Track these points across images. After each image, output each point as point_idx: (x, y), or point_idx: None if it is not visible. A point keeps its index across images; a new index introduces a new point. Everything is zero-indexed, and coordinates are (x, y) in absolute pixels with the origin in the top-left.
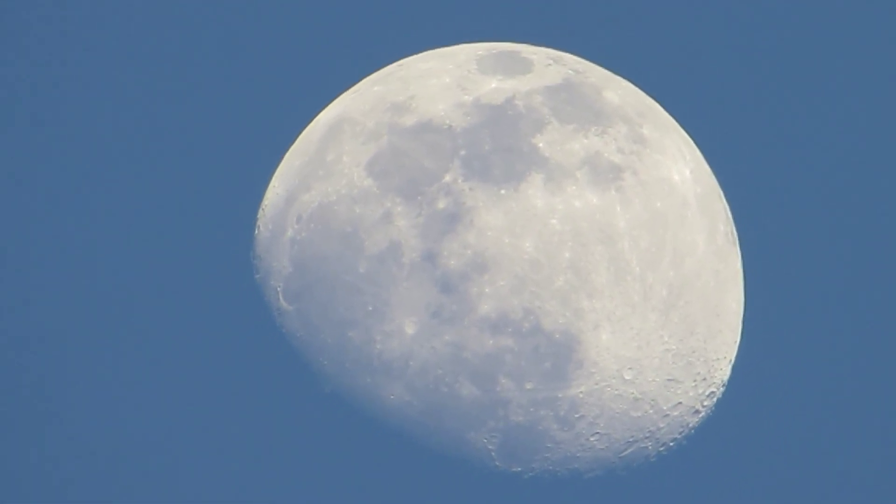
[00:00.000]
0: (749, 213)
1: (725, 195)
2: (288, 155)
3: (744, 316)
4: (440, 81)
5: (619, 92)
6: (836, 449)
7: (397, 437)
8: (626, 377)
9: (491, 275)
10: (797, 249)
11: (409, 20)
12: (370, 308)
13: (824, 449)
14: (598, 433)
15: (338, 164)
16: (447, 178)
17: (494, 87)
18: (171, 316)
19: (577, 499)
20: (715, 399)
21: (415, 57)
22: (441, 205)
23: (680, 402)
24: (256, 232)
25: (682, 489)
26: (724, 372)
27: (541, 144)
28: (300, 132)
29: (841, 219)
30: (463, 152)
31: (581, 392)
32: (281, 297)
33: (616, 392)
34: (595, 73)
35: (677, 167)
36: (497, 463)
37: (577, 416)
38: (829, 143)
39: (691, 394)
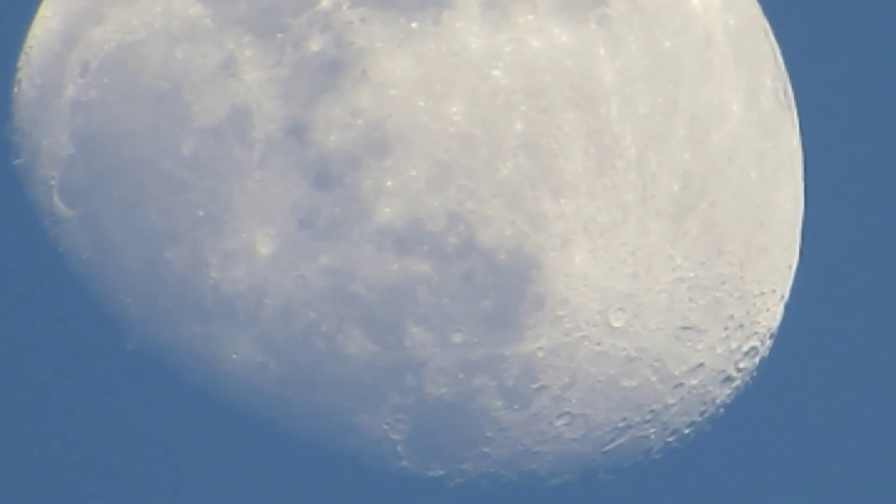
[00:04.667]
0: (816, 62)
1: (777, 33)
2: None
3: (804, 226)
4: None
5: None
6: None
7: (244, 420)
8: (615, 324)
9: (396, 159)
10: (882, 122)
11: None
12: (200, 213)
13: None
14: (567, 414)
15: None
16: (324, 2)
17: None
18: None
19: None
20: (757, 359)
21: None
22: (314, 46)
23: (701, 364)
24: (16, 90)
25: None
26: (772, 315)
27: None
28: None
29: None
30: None
31: (541, 348)
32: (56, 196)
33: (598, 348)
34: None
35: None
36: (405, 463)
37: (534, 386)
38: None
39: (719, 350)
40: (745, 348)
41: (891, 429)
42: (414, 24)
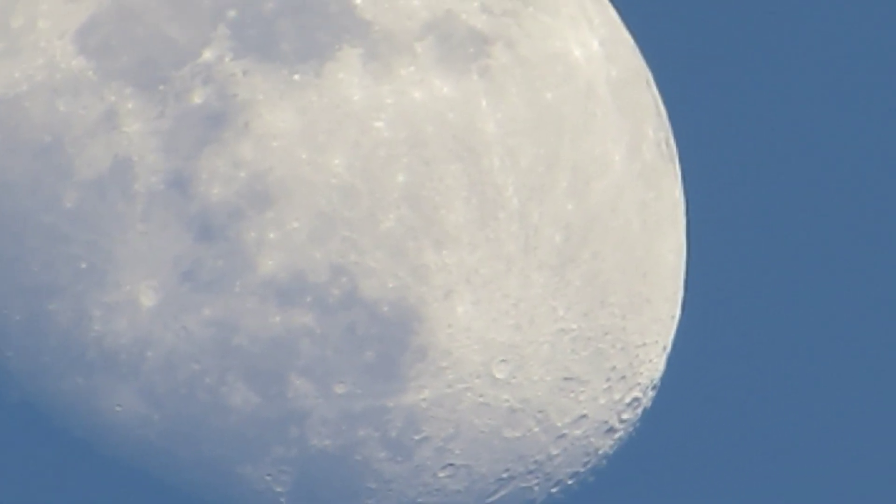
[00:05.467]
0: (699, 113)
1: (658, 83)
2: None
3: (687, 277)
4: None
5: None
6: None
7: (128, 472)
8: (498, 375)
9: (278, 211)
10: (763, 171)
11: None
12: (83, 266)
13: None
14: (451, 465)
15: (30, 34)
16: (206, 54)
17: None
18: None
19: None
20: (640, 410)
21: None
22: (197, 98)
23: (584, 415)
24: None
25: None
26: (654, 366)
27: (359, 1)
28: None
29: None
30: (232, 13)
31: (424, 399)
32: None
33: (480, 399)
34: None
35: (579, 36)
36: None
37: (417, 437)
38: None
39: (602, 401)
40: (628, 399)
41: (771, 481)
42: (296, 77)
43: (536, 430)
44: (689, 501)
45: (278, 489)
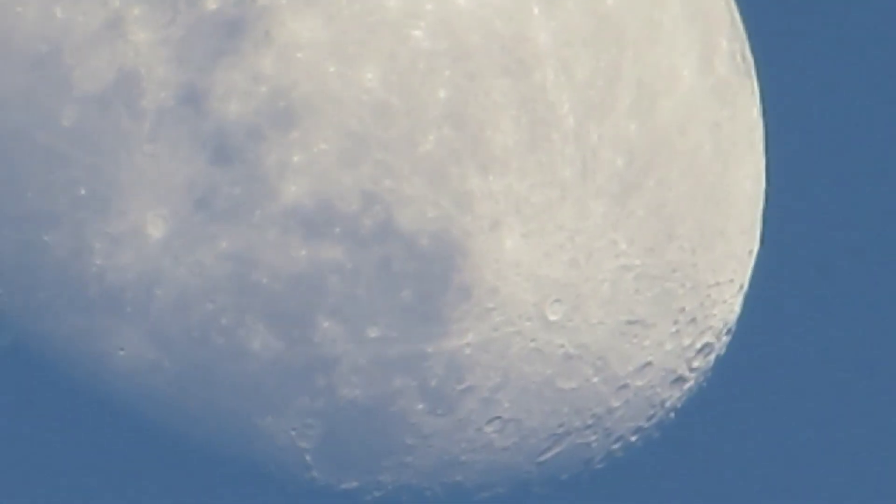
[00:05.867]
0: (778, 20)
1: None
2: None
3: (766, 207)
4: None
5: None
6: None
7: (133, 423)
8: (551, 317)
9: (303, 131)
10: (853, 85)
11: None
12: (82, 192)
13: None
14: (498, 419)
15: None
16: None
17: None
18: None
19: None
20: (712, 357)
21: None
22: (212, 3)
23: (649, 363)
24: None
25: None
26: (729, 308)
27: None
28: None
29: None
30: None
31: (468, 344)
32: None
33: (532, 344)
34: None
35: None
36: (314, 473)
37: (460, 387)
38: None
39: (669, 347)
40: (699, 345)
41: (864, 435)
42: None
43: (595, 379)
44: (767, 462)
45: (303, 444)
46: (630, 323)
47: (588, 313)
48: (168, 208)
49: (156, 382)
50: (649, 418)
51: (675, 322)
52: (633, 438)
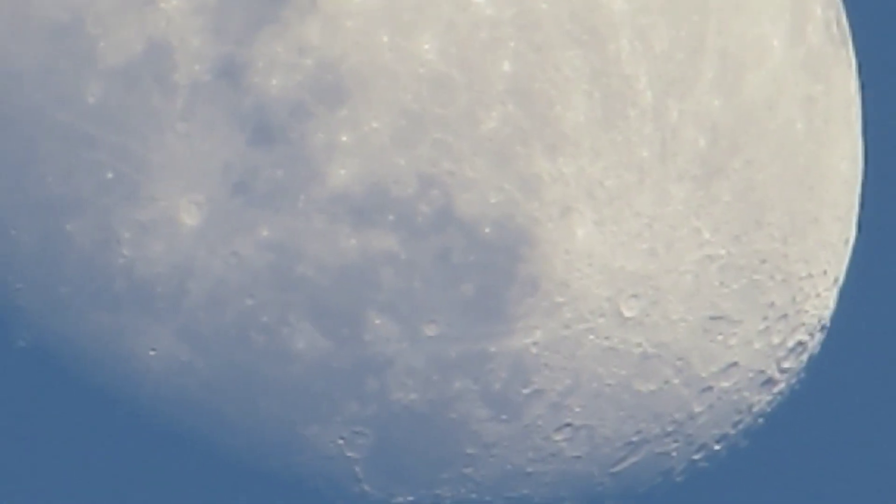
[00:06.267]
0: None
1: None
2: None
3: (863, 191)
4: None
5: None
6: None
7: (164, 432)
8: (627, 313)
9: (353, 108)
10: None
11: None
12: (109, 175)
13: None
14: (569, 426)
15: None
16: None
17: None
18: None
19: None
20: (805, 357)
21: None
22: None
23: (735, 363)
24: None
25: None
26: (823, 303)
27: None
28: None
29: None
30: None
31: (535, 343)
32: None
33: (606, 343)
34: None
35: None
36: (364, 486)
37: (526, 391)
38: None
39: (758, 346)
40: (790, 343)
41: None
42: None
43: (675, 381)
44: (863, 473)
45: (352, 455)
46: (714, 319)
47: (668, 309)
48: (203, 193)
49: (189, 386)
50: (735, 425)
51: (764, 318)
52: (718, 447)
